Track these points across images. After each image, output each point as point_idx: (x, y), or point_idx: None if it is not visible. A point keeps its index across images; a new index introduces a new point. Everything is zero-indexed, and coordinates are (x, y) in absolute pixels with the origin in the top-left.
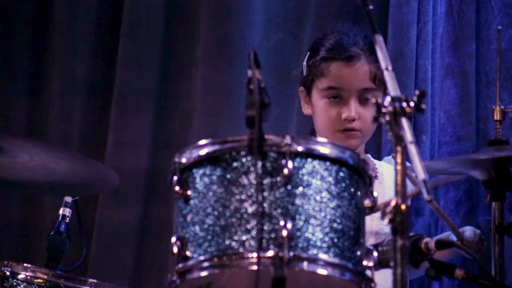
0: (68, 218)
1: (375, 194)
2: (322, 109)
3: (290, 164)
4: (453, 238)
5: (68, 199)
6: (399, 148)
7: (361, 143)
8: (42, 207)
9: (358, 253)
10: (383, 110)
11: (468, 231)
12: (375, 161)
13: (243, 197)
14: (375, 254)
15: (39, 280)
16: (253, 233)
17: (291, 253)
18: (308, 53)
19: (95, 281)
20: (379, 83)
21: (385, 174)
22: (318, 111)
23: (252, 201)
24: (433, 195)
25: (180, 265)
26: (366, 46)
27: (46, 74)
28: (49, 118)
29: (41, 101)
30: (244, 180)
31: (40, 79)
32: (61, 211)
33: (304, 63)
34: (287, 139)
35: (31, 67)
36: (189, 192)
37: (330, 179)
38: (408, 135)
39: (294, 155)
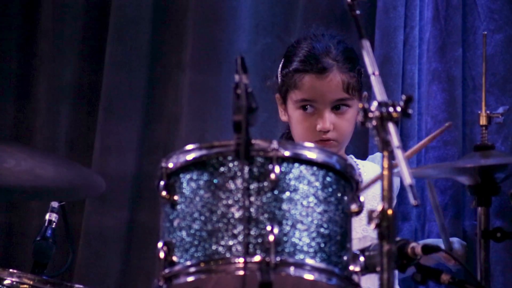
0: (54, 224)
1: (361, 199)
2: (297, 120)
3: (277, 169)
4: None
5: (55, 204)
6: (385, 153)
7: (338, 151)
8: (28, 213)
9: (345, 258)
10: (370, 115)
11: (456, 243)
12: (358, 161)
13: (230, 202)
14: (362, 259)
15: (25, 286)
16: (240, 238)
17: (278, 258)
18: (283, 60)
19: (81, 286)
20: (353, 91)
21: (367, 174)
22: (294, 122)
23: (239, 206)
24: (420, 199)
25: (167, 270)
26: (340, 54)
27: (33, 78)
28: (36, 123)
29: (28, 106)
30: (231, 185)
31: (27, 84)
32: (47, 217)
33: (279, 71)
34: (274, 144)
35: (18, 71)
36: (176, 197)
37: (317, 184)
38: (395, 140)
39: (281, 160)
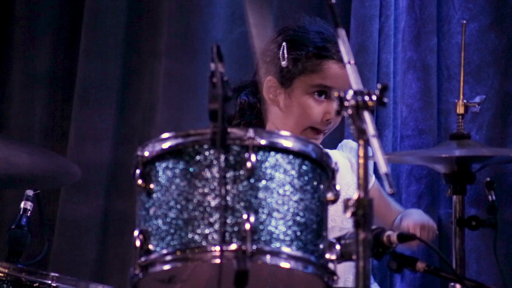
0: (29, 212)
1: (337, 187)
2: (305, 104)
3: (253, 157)
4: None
5: (30, 192)
6: (361, 142)
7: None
8: (3, 201)
9: (321, 246)
10: (346, 103)
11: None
12: (327, 151)
13: (206, 190)
14: (338, 247)
15: (0, 274)
16: (216, 226)
17: (254, 247)
18: (287, 44)
19: (56, 275)
20: None
21: (337, 163)
22: (299, 106)
23: (215, 195)
24: (395, 188)
25: (143, 259)
26: None
27: (7, 66)
28: (10, 111)
29: (2, 94)
30: (207, 174)
31: (0, 72)
32: (22, 205)
33: (283, 53)
34: (250, 133)
35: None
36: (151, 186)
37: (293, 172)
38: (370, 128)
39: (257, 148)
